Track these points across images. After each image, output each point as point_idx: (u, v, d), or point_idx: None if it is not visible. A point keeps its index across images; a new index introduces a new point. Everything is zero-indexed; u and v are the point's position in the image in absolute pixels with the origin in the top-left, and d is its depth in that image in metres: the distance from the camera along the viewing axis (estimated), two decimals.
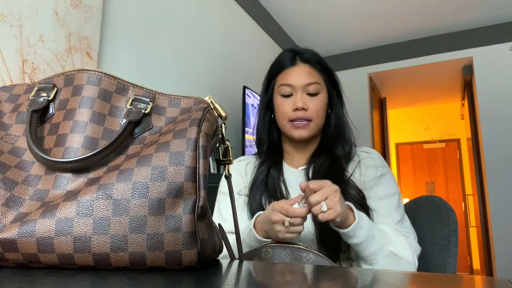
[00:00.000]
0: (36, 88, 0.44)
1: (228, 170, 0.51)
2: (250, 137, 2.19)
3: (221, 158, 0.49)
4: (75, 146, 0.39)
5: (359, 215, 0.71)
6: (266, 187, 0.86)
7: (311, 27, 3.15)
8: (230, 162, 0.49)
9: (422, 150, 5.55)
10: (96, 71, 0.43)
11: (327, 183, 0.69)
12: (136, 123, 0.42)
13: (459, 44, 3.23)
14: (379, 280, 0.36)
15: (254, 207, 0.84)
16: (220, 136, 0.47)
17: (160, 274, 0.35)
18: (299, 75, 0.87)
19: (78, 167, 0.38)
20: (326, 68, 0.90)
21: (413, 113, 5.44)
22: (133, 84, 0.45)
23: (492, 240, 2.93)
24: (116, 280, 0.32)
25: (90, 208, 0.35)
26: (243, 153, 2.12)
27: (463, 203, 5.09)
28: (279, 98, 0.89)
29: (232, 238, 0.62)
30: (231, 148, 0.49)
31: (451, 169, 5.33)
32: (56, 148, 0.40)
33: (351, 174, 0.84)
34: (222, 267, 0.41)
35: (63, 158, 0.38)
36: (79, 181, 0.38)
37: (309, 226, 0.79)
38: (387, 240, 0.73)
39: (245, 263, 0.44)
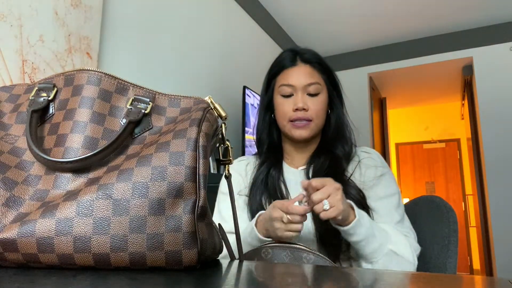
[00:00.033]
0: (36, 88, 0.44)
1: (228, 170, 0.51)
2: (250, 137, 2.19)
3: (221, 158, 0.49)
4: (75, 146, 0.39)
5: (360, 213, 0.71)
6: (266, 187, 0.86)
7: (311, 27, 3.15)
8: (230, 162, 0.49)
9: (422, 150, 5.55)
10: (96, 71, 0.43)
11: (329, 181, 0.69)
12: (136, 123, 0.42)
13: (459, 44, 3.23)
14: (379, 280, 0.36)
15: (254, 207, 0.84)
16: (220, 136, 0.47)
17: (160, 274, 0.35)
18: (299, 75, 0.87)
19: (78, 167, 0.38)
20: (326, 68, 0.90)
21: (413, 113, 5.44)
22: (133, 84, 0.45)
23: (492, 240, 2.93)
24: (116, 280, 0.32)
25: (90, 208, 0.35)
26: (243, 153, 2.12)
27: (463, 203, 5.09)
28: (280, 98, 0.89)
29: (232, 238, 0.62)
30: (231, 148, 0.49)
31: (451, 169, 5.33)
32: (56, 148, 0.40)
33: (351, 174, 0.84)
34: (222, 267, 0.41)
35: (63, 158, 0.38)
36: (79, 181, 0.38)
37: (309, 226, 0.79)
38: (388, 239, 0.73)
39: (245, 263, 0.44)
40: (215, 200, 0.93)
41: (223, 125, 0.47)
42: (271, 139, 0.94)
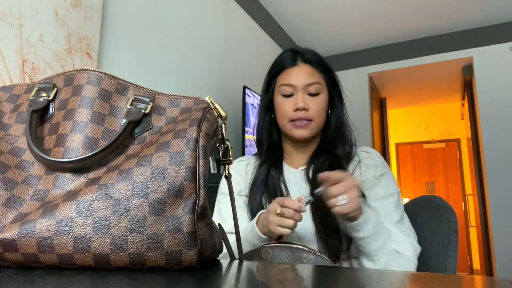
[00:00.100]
0: (36, 88, 0.44)
1: (228, 170, 0.51)
2: (250, 137, 2.19)
3: (221, 158, 0.49)
4: (75, 146, 0.39)
5: (368, 209, 0.71)
6: (266, 188, 0.86)
7: (311, 27, 3.16)
8: (230, 162, 0.49)
9: (422, 150, 5.55)
10: (96, 71, 0.43)
11: (348, 176, 0.69)
12: (136, 123, 0.42)
13: (459, 44, 3.23)
14: (379, 280, 0.36)
15: (254, 207, 0.84)
16: (220, 136, 0.47)
17: (160, 274, 0.35)
18: (300, 75, 0.87)
19: (78, 167, 0.38)
20: (326, 68, 0.90)
21: (413, 113, 5.44)
22: (133, 84, 0.45)
23: (492, 240, 2.93)
24: (116, 280, 0.32)
25: (90, 208, 0.35)
26: (243, 153, 2.12)
27: (463, 203, 5.09)
28: (280, 98, 0.89)
29: (232, 238, 0.62)
30: (231, 148, 0.49)
31: (451, 169, 5.33)
32: (56, 148, 0.40)
33: (351, 174, 0.84)
34: (222, 267, 0.41)
35: (63, 158, 0.38)
36: (79, 181, 0.38)
37: (309, 226, 0.79)
38: (391, 238, 0.73)
39: (245, 263, 0.44)
40: (215, 200, 0.93)
41: (223, 125, 0.47)
42: (271, 139, 0.94)
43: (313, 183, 0.84)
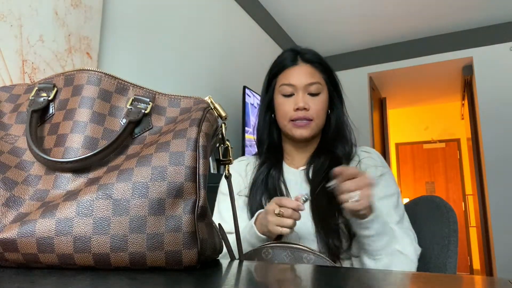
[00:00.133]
0: (36, 88, 0.44)
1: (228, 170, 0.51)
2: (250, 137, 2.19)
3: (221, 158, 0.49)
4: (75, 146, 0.39)
5: (377, 208, 0.71)
6: (266, 188, 0.86)
7: (311, 27, 3.16)
8: (230, 162, 0.49)
9: (422, 150, 5.55)
10: (96, 71, 0.43)
11: (363, 173, 0.68)
12: (136, 123, 0.42)
13: (459, 44, 3.23)
14: (379, 280, 0.36)
15: (254, 207, 0.84)
16: (220, 136, 0.47)
17: (160, 274, 0.35)
18: (300, 75, 0.87)
19: (78, 167, 0.38)
20: (327, 68, 0.91)
21: (413, 113, 5.44)
22: (133, 84, 0.45)
23: (492, 240, 2.93)
24: (116, 280, 0.32)
25: (90, 208, 0.35)
26: (243, 153, 2.12)
27: (463, 203, 5.09)
28: (280, 97, 0.89)
29: (232, 238, 0.62)
30: (231, 148, 0.49)
31: (451, 169, 5.33)
32: (56, 148, 0.40)
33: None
34: (222, 267, 0.41)
35: (63, 158, 0.38)
36: (79, 181, 0.38)
37: (309, 225, 0.79)
38: (395, 238, 0.73)
39: (245, 263, 0.44)
40: (215, 200, 0.93)
41: (223, 125, 0.47)
42: (271, 139, 0.93)
43: (313, 183, 0.84)
